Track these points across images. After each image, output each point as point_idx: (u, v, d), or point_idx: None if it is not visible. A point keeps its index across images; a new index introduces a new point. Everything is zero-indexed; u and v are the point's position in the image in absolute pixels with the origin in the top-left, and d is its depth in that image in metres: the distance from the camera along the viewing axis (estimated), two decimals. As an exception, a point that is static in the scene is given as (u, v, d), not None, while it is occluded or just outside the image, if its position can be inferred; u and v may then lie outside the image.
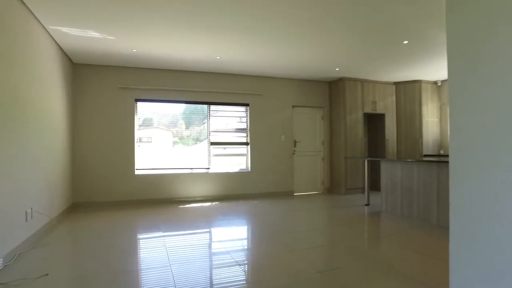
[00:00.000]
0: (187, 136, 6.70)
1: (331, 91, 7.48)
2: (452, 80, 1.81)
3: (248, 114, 6.91)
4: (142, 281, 2.61)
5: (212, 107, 6.72)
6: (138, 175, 6.20)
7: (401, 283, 2.49)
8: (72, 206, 5.69)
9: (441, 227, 4.18)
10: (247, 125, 6.94)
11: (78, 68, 5.90)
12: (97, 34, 4.45)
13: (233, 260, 3.05)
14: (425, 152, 7.25)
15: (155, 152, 6.46)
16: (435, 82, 7.46)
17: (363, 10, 3.76)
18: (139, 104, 6.31)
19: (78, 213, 5.28)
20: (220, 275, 2.74)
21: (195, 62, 5.91)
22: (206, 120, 6.67)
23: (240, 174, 6.80)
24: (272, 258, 3.10)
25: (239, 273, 2.76)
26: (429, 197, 4.44)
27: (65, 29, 4.27)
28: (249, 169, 6.88)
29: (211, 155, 6.69)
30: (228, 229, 4.32)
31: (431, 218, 4.41)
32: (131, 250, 3.40)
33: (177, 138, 6.68)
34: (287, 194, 7.13)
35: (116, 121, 6.10)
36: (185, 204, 6.08)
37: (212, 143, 6.70)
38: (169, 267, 2.86)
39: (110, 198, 6.00)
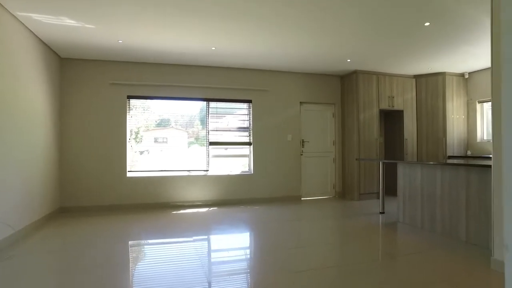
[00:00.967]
0: (203, 136, 6.20)
1: (343, 86, 6.80)
2: (508, 69, 1.15)
3: (251, 112, 6.33)
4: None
5: (212, 104, 6.18)
6: (131, 178, 5.73)
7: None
8: (58, 210, 5.28)
9: (472, 246, 3.47)
10: (249, 124, 6.36)
11: (66, 63, 5.48)
12: (73, 21, 3.98)
13: None
14: (449, 153, 6.47)
15: (159, 153, 5.98)
16: (462, 75, 6.64)
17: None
18: (132, 101, 5.84)
19: (62, 218, 4.85)
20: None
21: (190, 55, 5.38)
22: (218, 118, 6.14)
23: (241, 177, 6.24)
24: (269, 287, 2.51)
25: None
26: (456, 207, 3.73)
27: (36, 16, 3.81)
28: (252, 172, 6.30)
29: (210, 156, 6.16)
30: (219, 243, 3.76)
31: (458, 233, 3.70)
32: (102, 264, 2.88)
33: (193, 138, 6.18)
34: (294, 199, 6.50)
35: (107, 120, 5.65)
36: (179, 210, 5.56)
37: (211, 143, 6.16)
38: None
39: (100, 202, 5.56)
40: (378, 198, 6.45)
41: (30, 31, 4.21)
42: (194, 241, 3.77)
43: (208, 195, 6.03)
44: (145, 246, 3.64)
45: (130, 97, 5.80)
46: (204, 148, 6.13)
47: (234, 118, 6.38)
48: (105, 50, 5.12)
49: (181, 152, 6.10)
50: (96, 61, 5.61)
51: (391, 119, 7.01)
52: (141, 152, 5.96)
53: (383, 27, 4.25)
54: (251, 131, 6.33)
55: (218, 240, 3.86)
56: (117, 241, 3.71)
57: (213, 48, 5.06)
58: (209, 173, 6.12)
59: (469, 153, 6.57)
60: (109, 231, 4.15)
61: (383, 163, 5.13)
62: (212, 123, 6.18)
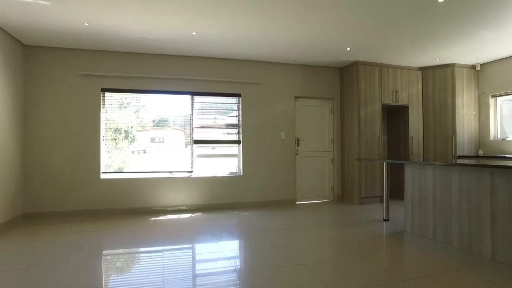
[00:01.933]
0: (187, 134, 5.57)
1: (343, 79, 6.19)
2: None
3: (241, 107, 5.72)
4: None
5: (197, 98, 5.56)
6: (105, 180, 5.11)
7: None
8: (20, 217, 4.66)
9: (499, 264, 2.87)
10: (238, 120, 5.75)
11: (30, 51, 4.86)
12: (23, -4, 3.37)
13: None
14: (459, 153, 5.87)
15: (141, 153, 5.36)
16: (473, 66, 6.04)
17: None
18: (108, 95, 5.23)
19: (24, 226, 4.23)
20: None
21: (171, 42, 4.77)
22: (233, 113, 5.52)
23: (229, 179, 5.62)
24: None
25: None
26: (478, 217, 3.13)
27: (-24, -11, 3.20)
28: (241, 173, 5.69)
29: (194, 156, 5.54)
30: (191, 259, 3.14)
31: (482, 249, 3.10)
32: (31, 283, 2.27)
33: (188, 133, 5.58)
34: (288, 203, 5.89)
35: (78, 115, 5.03)
36: (159, 216, 4.95)
37: (196, 142, 5.54)
38: None
39: (69, 207, 4.94)
40: (381, 202, 5.86)
41: (-24, 9, 3.60)
42: (165, 256, 3.16)
43: (192, 199, 5.42)
44: (105, 261, 3.02)
45: (104, 90, 5.18)
46: (188, 147, 5.52)
47: (221, 114, 5.76)
48: (72, 36, 4.50)
49: (163, 151, 5.48)
50: (65, 49, 4.99)
51: (395, 116, 6.41)
52: (138, 152, 5.34)
53: (388, 8, 3.64)
54: (240, 128, 5.72)
55: (190, 255, 3.25)
56: (78, 254, 3.09)
57: (194, 34, 4.45)
58: (193, 174, 5.50)
59: (480, 152, 5.96)
60: (73, 242, 3.53)
61: (388, 164, 4.52)
62: (197, 120, 5.57)
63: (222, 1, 3.49)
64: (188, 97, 5.52)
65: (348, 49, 5.12)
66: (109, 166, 5.24)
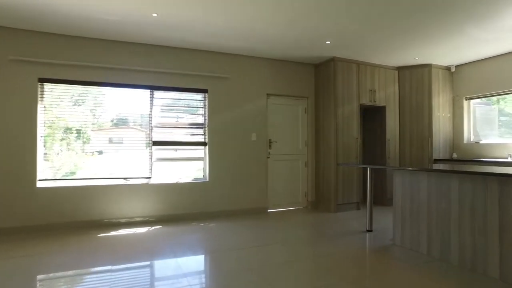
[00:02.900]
0: (145, 135, 4.78)
1: (318, 76, 5.76)
2: None
3: (207, 104, 5.08)
4: None
5: (157, 93, 4.84)
6: (43, 190, 4.23)
7: None
8: None
9: (510, 286, 2.53)
10: (205, 119, 5.10)
11: None
12: None
13: None
14: (435, 156, 5.68)
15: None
16: (448, 68, 5.89)
17: None
18: (48, 86, 4.34)
19: None
20: None
21: (125, 25, 4.02)
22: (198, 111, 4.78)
23: (194, 186, 4.95)
24: None
25: None
26: (483, 232, 2.78)
27: None
28: (207, 179, 5.05)
29: (153, 159, 4.81)
30: (151, 294, 2.47)
31: (488, 268, 2.75)
32: None
33: (146, 134, 4.78)
34: (259, 212, 5.35)
35: (8, 110, 4.11)
36: (110, 230, 4.17)
37: (156, 143, 4.81)
38: None
39: (-6, 224, 4.01)
40: (358, 209, 5.51)
41: None
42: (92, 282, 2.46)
43: (150, 210, 4.68)
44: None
45: (43, 80, 4.29)
46: (146, 149, 4.77)
47: (185, 112, 5.08)
48: (1, 10, 3.61)
49: (121, 154, 4.69)
50: (-10, 28, 4.06)
51: (370, 117, 6.10)
52: (92, 153, 4.47)
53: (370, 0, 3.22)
54: (206, 129, 5.07)
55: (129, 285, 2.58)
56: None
57: (155, 15, 3.75)
58: (152, 181, 4.77)
59: (455, 156, 5.83)
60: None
61: (372, 169, 4.13)
62: (158, 118, 4.84)
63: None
64: (147, 92, 4.77)
65: (328, 42, 4.68)
66: (57, 171, 4.35)
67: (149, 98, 4.78)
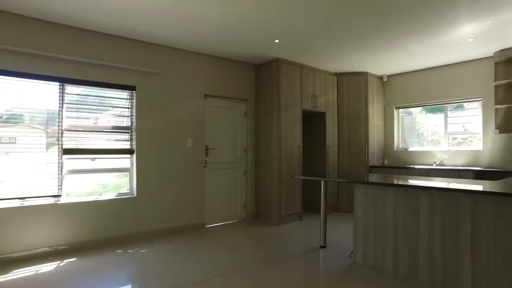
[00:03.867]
0: (53, 140, 3.63)
1: (259, 78, 5.36)
2: None
3: (135, 104, 4.24)
4: None
5: (69, 88, 3.82)
6: None
7: None
8: None
9: (482, 306, 2.45)
10: (132, 122, 4.25)
11: None
12: None
13: None
14: (370, 163, 5.78)
15: None
16: (381, 77, 6.07)
17: None
18: None
19: None
20: None
21: (25, -5, 3.00)
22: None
23: (119, 203, 4.07)
24: None
25: None
26: (455, 249, 2.68)
27: None
28: (135, 194, 4.21)
29: (64, 171, 3.79)
30: None
31: (459, 285, 2.66)
32: None
33: (54, 138, 3.62)
34: (196, 229, 4.70)
35: None
36: (4, 271, 3.08)
37: (66, 151, 3.80)
38: None
39: None
40: (300, 219, 5.27)
41: None
42: None
43: (61, 237, 3.66)
44: None
45: None
46: (53, 159, 3.72)
47: (106, 112, 4.15)
48: None
49: (11, 166, 3.53)
50: None
51: (310, 123, 5.92)
52: None
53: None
54: (133, 134, 4.23)
55: None
56: None
57: (72, -14, 2.85)
58: (62, 200, 3.75)
59: (386, 162, 6.04)
60: None
61: (326, 182, 3.87)
62: (70, 120, 3.83)
63: None
64: (56, 85, 3.73)
65: (277, 41, 4.29)
66: None
67: (59, 94, 3.75)
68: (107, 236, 3.94)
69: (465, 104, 5.30)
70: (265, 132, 5.21)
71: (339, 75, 5.86)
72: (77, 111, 3.89)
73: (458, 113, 5.39)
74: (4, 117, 3.50)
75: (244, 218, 5.34)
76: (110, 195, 4.09)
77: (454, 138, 5.40)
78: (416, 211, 2.92)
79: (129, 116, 4.23)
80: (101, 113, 4.07)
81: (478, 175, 4.60)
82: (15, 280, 2.92)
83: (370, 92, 5.79)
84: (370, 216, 3.27)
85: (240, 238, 4.31)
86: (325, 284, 2.84)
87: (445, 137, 5.46)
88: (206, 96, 4.91)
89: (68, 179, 3.81)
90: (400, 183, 2.90)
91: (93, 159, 4.01)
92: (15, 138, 3.54)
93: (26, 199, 3.55)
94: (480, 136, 5.02)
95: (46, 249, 3.58)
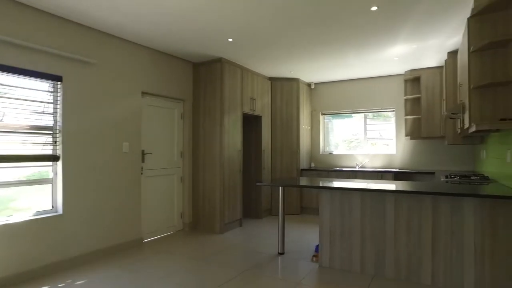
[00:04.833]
0: None
1: (198, 77, 4.98)
2: None
3: (61, 99, 3.40)
4: None
5: (-36, 72, 2.81)
6: None
7: None
8: None
9: (444, 293, 2.80)
10: (56, 121, 3.40)
11: None
12: None
13: None
14: (301, 167, 6.03)
15: None
16: (309, 84, 6.40)
17: None
18: None
19: None
20: None
21: None
22: None
23: (38, 224, 3.19)
24: None
25: None
26: (418, 246, 2.97)
27: None
28: (60, 211, 3.37)
29: (-42, 187, 2.76)
30: None
31: (421, 277, 2.96)
32: None
33: None
34: (134, 245, 4.07)
35: None
36: None
37: (-36, 159, 2.78)
38: None
39: None
40: (240, 225, 5.13)
41: None
42: None
43: (-48, 278, 2.65)
44: None
45: None
46: None
47: (20, 106, 3.20)
48: None
49: None
50: None
51: (248, 126, 5.80)
52: None
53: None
54: (58, 135, 3.39)
55: None
56: None
57: None
58: (-46, 225, 2.72)
59: (313, 165, 6.40)
60: None
61: (284, 188, 3.84)
62: (-34, 115, 2.81)
63: None
64: None
65: (230, 40, 4.06)
66: None
67: (-51, 80, 2.71)
68: (24, 270, 3.04)
69: (381, 113, 6.04)
70: (205, 135, 4.88)
71: (273, 80, 5.94)
72: (-19, 105, 2.90)
73: (376, 121, 6.10)
74: None
75: (180, 228, 4.89)
76: (26, 215, 3.17)
77: (373, 144, 6.09)
78: (382, 214, 3.15)
79: (52, 114, 3.37)
80: (13, 108, 3.13)
81: (397, 176, 5.28)
82: None
83: (301, 98, 6.05)
84: (337, 220, 3.38)
85: (183, 251, 3.90)
86: (311, 293, 2.79)
87: (365, 142, 6.10)
88: (144, 93, 4.31)
89: (-36, 196, 2.80)
90: (366, 187, 3.09)
91: None
92: None
93: None
94: (394, 141, 5.80)
95: None
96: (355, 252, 3.28)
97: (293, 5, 3.12)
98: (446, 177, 3.92)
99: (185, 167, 4.95)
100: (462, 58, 3.72)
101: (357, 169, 5.71)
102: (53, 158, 3.36)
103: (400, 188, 2.96)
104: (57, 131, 3.39)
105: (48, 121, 3.35)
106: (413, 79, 5.43)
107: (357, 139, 6.22)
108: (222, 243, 4.24)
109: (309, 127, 6.40)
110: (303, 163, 6.14)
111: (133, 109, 4.12)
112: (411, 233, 3.02)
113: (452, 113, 3.66)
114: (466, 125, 3.29)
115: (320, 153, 6.42)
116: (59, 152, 3.38)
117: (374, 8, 3.18)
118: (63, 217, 3.36)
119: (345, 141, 6.35)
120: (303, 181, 3.69)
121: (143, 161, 4.30)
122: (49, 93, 3.35)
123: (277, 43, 4.18)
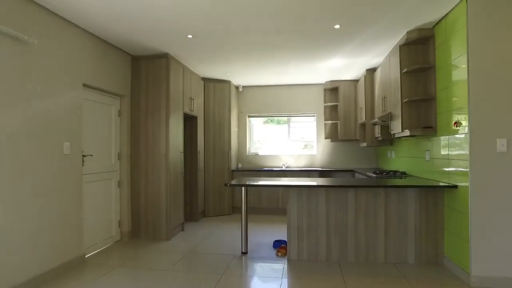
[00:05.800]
0: None
1: (139, 71, 4.55)
2: None
3: (-7, 86, 2.67)
4: None
5: None
6: None
7: None
8: None
9: (389, 265, 3.42)
10: (-10, 114, 2.65)
11: None
12: None
13: None
14: (232, 167, 6.13)
15: None
16: (237, 87, 6.55)
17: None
18: None
19: None
20: None
21: None
22: None
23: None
24: None
25: None
26: (373, 230, 3.53)
27: None
28: (-3, 229, 2.64)
29: None
30: None
31: (376, 257, 3.52)
32: None
33: None
34: (76, 263, 3.47)
35: None
36: None
37: None
38: None
39: None
40: (183, 230, 4.95)
41: None
42: None
43: None
44: None
45: None
46: None
47: None
48: None
49: None
50: None
51: (186, 127, 5.55)
52: None
53: None
54: (-10, 133, 2.65)
55: None
56: None
57: None
58: None
59: (240, 166, 6.57)
60: None
61: (246, 188, 3.91)
62: None
63: None
64: None
65: (190, 36, 3.90)
66: None
67: None
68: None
69: (304, 117, 6.67)
70: (147, 135, 4.51)
71: (206, 80, 5.88)
72: None
73: (299, 124, 6.70)
74: None
75: (118, 239, 4.37)
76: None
77: (297, 145, 6.67)
78: (345, 207, 3.61)
79: (-16, 105, 2.62)
80: None
81: (321, 174, 5.95)
82: None
83: (232, 100, 6.16)
84: (303, 217, 3.68)
85: (143, 263, 3.57)
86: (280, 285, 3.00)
87: (288, 143, 6.63)
88: (85, 86, 3.72)
89: None
90: (330, 184, 3.51)
91: None
92: None
93: None
94: (315, 143, 6.51)
95: None
96: (321, 244, 3.64)
97: (263, 13, 3.27)
98: (375, 173, 4.71)
99: (123, 170, 4.46)
100: (387, 76, 4.56)
101: (284, 168, 6.18)
102: (-16, 162, 2.61)
103: (348, 184, 3.47)
104: (-10, 128, 2.65)
105: (-22, 114, 2.59)
106: (332, 89, 6.23)
107: (282, 140, 6.72)
108: (177, 250, 4.02)
109: (236, 129, 6.57)
110: (233, 164, 6.27)
111: (73, 103, 3.51)
112: (368, 221, 3.57)
113: (382, 120, 4.44)
114: (396, 130, 4.06)
115: (247, 154, 6.67)
116: (-8, 154, 2.65)
117: (337, 26, 3.62)
118: None
119: (269, 142, 6.77)
120: (245, 181, 3.86)
121: (83, 164, 3.70)
122: (-20, 78, 2.60)
123: (229, 44, 4.22)
